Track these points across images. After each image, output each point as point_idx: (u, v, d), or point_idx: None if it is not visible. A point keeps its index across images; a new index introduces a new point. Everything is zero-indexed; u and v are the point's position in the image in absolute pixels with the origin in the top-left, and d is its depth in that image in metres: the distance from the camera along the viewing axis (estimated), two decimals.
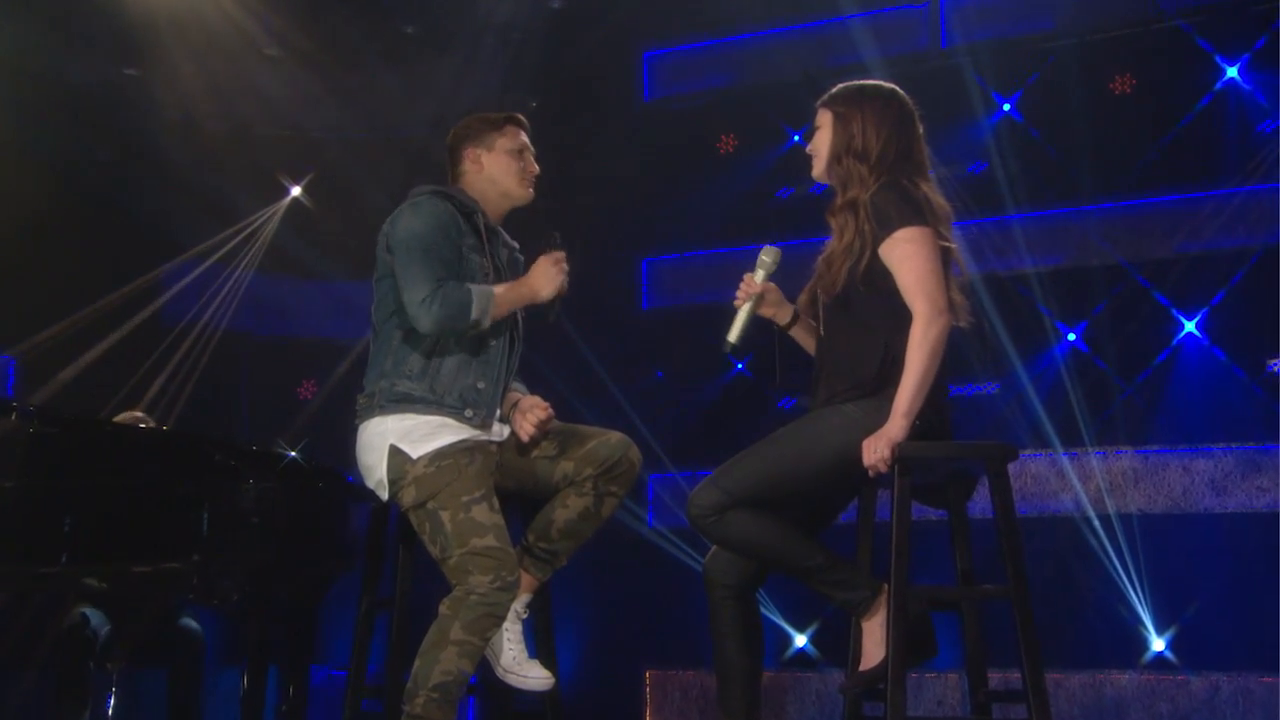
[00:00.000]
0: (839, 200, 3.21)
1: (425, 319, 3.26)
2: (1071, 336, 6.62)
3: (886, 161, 3.18)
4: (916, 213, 3.10)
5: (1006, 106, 6.90)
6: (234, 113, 7.64)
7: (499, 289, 3.38)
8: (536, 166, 3.57)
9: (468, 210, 3.46)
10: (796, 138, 7.27)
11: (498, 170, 3.53)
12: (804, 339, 3.43)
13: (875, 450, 3.01)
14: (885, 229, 3.10)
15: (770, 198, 7.39)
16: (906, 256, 3.08)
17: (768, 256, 3.36)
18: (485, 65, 7.59)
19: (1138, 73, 6.62)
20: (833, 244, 3.20)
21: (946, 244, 3.17)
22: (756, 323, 3.38)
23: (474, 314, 3.30)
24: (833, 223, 3.21)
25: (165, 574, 3.70)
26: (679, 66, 7.88)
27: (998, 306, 6.46)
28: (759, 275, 3.36)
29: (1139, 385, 6.45)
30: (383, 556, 3.65)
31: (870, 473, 3.04)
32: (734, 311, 3.35)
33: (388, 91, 7.75)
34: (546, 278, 3.42)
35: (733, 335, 3.34)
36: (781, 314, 3.41)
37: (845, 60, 6.89)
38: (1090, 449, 6.35)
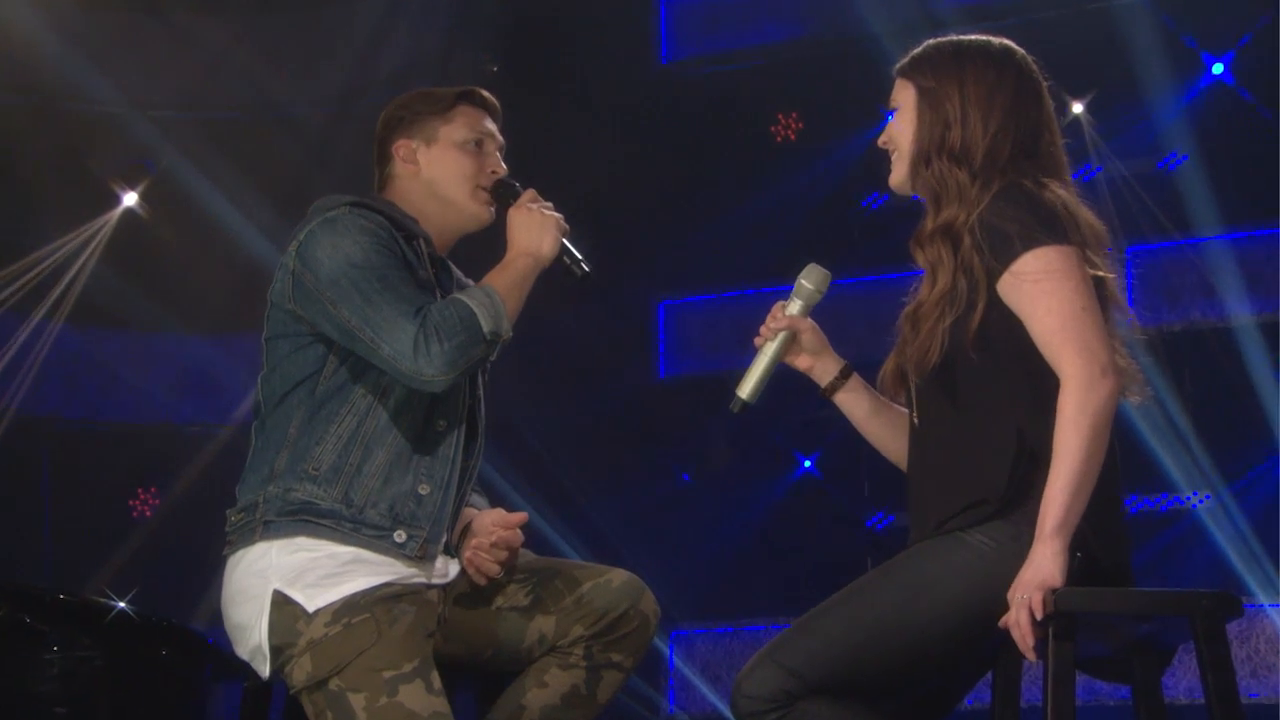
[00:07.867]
0: (929, 224, 3.24)
1: (432, 369, 3.26)
2: None
3: (998, 163, 3.18)
4: (1049, 226, 3.10)
5: (1218, 68, 6.95)
6: (30, 80, 7.70)
7: (492, 280, 3.42)
8: (504, 167, 3.61)
9: (407, 231, 3.50)
10: (891, 118, 7.32)
11: (440, 173, 3.56)
12: (863, 417, 3.44)
13: (1021, 601, 3.01)
14: (1004, 258, 3.10)
15: (852, 207, 7.44)
16: (1042, 293, 3.07)
17: (809, 281, 3.43)
18: (419, 11, 7.68)
19: None
20: (922, 291, 3.23)
21: (1099, 273, 3.18)
22: (784, 375, 3.43)
23: (486, 326, 3.32)
24: (920, 258, 3.23)
25: None
26: (714, 12, 7.96)
27: (1202, 373, 6.47)
28: (793, 306, 3.42)
29: None
30: None
31: (1014, 634, 3.04)
32: (754, 355, 3.41)
33: (271, 50, 7.82)
34: (533, 229, 3.47)
35: (744, 389, 3.40)
36: (821, 367, 3.45)
37: None
38: None
